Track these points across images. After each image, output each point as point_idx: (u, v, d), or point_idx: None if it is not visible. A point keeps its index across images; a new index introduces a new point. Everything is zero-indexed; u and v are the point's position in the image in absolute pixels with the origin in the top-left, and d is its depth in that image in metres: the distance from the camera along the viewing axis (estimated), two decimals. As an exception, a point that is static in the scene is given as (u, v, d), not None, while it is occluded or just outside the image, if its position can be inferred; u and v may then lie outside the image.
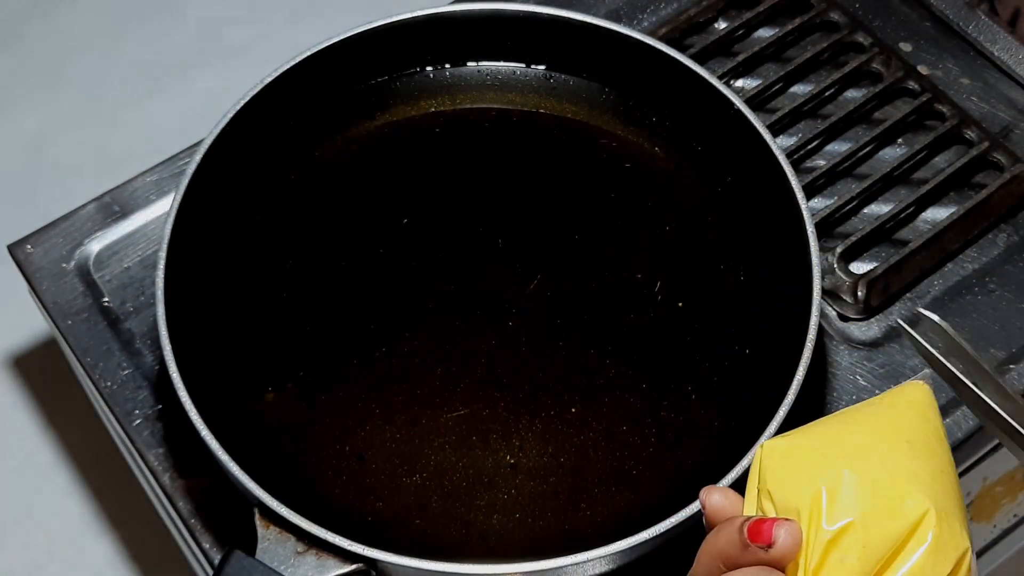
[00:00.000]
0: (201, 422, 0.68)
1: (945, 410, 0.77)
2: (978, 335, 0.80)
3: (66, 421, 1.10)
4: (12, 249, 0.84)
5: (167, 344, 0.70)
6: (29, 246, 0.84)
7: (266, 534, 0.66)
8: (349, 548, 0.65)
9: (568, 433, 0.73)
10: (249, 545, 0.66)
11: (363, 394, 0.74)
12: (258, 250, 0.79)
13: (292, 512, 0.66)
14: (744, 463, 0.67)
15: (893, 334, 0.80)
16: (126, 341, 0.80)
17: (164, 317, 0.71)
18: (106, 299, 0.82)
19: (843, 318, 0.81)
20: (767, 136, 0.77)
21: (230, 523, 0.74)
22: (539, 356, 0.75)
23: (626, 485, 0.71)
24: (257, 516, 0.67)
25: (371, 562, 0.66)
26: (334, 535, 0.65)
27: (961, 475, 0.80)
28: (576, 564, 0.65)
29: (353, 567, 0.66)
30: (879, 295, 0.81)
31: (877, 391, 0.78)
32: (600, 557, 0.65)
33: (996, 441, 0.80)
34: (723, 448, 0.71)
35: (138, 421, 0.77)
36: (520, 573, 0.65)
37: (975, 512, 0.85)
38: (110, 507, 1.07)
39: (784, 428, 0.67)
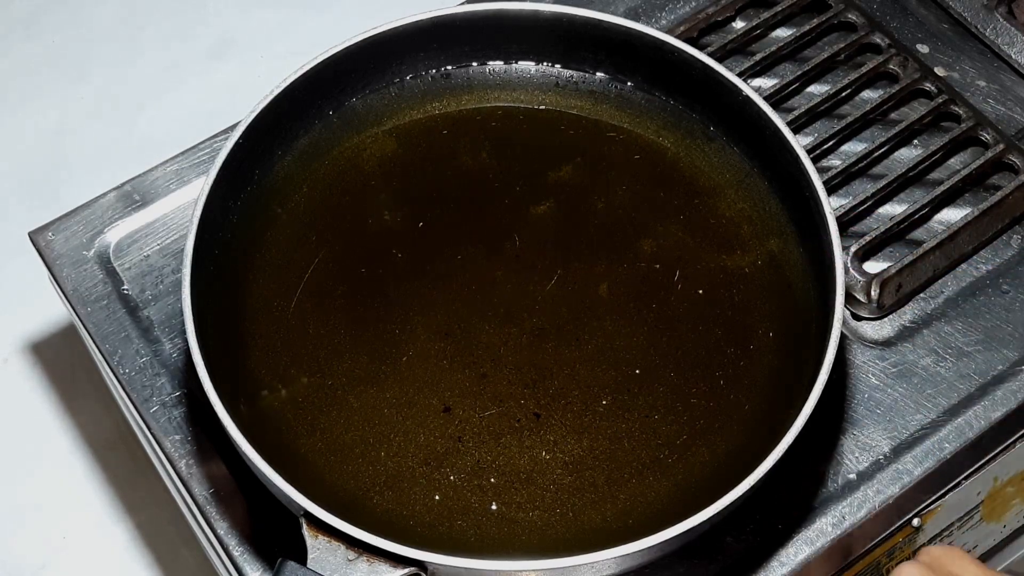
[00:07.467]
0: (242, 438, 0.67)
1: (958, 408, 0.78)
2: (991, 336, 0.81)
3: (84, 407, 1.10)
4: (33, 236, 0.84)
5: (196, 347, 0.69)
6: (50, 233, 0.84)
7: (315, 544, 0.66)
8: (400, 552, 0.65)
9: (601, 425, 0.73)
10: (265, 540, 0.67)
11: (391, 397, 0.74)
12: (274, 248, 0.78)
13: (342, 521, 0.65)
14: (781, 448, 0.67)
15: (906, 333, 0.81)
16: (144, 328, 0.81)
17: (191, 306, 0.70)
18: (125, 287, 0.82)
19: (856, 317, 0.81)
20: (788, 135, 0.77)
21: (246, 510, 0.75)
22: (565, 352, 0.75)
23: (663, 473, 0.71)
24: (305, 526, 0.66)
25: (422, 564, 0.65)
26: (385, 540, 0.65)
27: (971, 475, 0.80)
28: (612, 557, 0.65)
29: (405, 571, 0.65)
30: (892, 295, 0.81)
31: (889, 390, 0.78)
32: (650, 547, 0.65)
33: (1007, 441, 0.80)
34: (753, 431, 0.72)
35: (155, 408, 0.78)
36: (569, 566, 0.65)
37: (985, 512, 0.85)
38: (126, 493, 1.07)
39: (810, 423, 0.67)
